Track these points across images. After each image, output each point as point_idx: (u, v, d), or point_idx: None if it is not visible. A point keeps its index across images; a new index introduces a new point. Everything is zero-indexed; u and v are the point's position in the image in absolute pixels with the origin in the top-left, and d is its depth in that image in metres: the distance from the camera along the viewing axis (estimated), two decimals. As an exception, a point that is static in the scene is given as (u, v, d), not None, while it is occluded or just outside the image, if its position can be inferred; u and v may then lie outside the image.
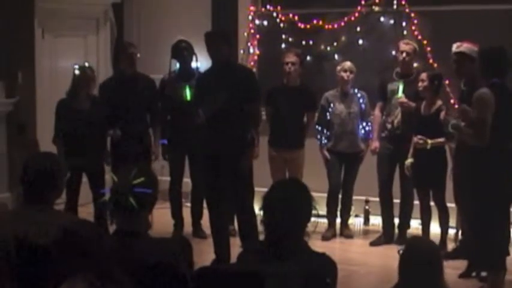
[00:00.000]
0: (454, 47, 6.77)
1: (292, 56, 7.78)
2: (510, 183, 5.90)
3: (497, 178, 5.72)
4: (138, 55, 7.73)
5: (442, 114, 7.04)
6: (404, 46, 7.57)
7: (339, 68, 7.91)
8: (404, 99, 7.41)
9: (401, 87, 7.44)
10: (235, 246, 6.55)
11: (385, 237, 7.77)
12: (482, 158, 5.75)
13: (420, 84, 7.18)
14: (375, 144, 7.78)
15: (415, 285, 3.47)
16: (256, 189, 6.51)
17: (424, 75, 7.20)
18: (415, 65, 7.73)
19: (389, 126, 7.63)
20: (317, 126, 7.99)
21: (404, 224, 7.78)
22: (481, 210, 5.78)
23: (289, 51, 7.95)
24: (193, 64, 7.85)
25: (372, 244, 7.76)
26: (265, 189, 3.47)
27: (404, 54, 7.53)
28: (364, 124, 7.97)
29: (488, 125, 5.63)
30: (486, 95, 5.69)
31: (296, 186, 3.51)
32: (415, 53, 7.64)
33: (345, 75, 7.83)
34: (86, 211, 7.33)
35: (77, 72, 7.25)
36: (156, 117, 7.81)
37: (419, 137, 7.08)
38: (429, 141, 7.02)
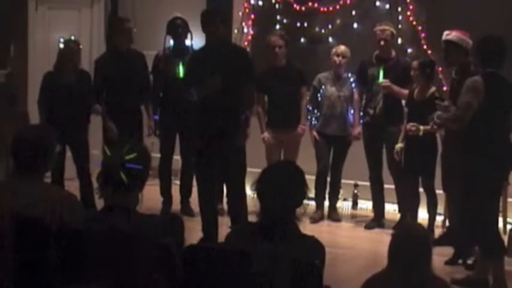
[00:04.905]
0: (444, 35, 6.75)
1: (278, 39, 7.80)
2: (500, 174, 5.89)
3: (487, 168, 5.69)
4: (135, 30, 7.70)
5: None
6: (381, 34, 7.53)
7: (333, 51, 7.91)
8: (387, 83, 7.41)
9: (381, 73, 7.45)
10: (223, 226, 6.55)
11: (378, 220, 7.79)
12: (474, 147, 5.73)
13: (412, 73, 7.17)
14: (358, 129, 7.80)
15: (404, 270, 3.47)
16: (248, 169, 6.50)
17: (415, 64, 7.17)
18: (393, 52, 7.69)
19: (371, 112, 7.64)
20: (308, 106, 7.99)
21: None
22: (471, 199, 5.75)
23: (275, 35, 7.96)
24: (188, 42, 7.82)
25: (367, 227, 7.77)
26: (257, 170, 3.45)
27: (382, 42, 7.52)
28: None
29: (472, 110, 5.61)
30: (476, 82, 5.67)
31: (290, 169, 3.51)
32: (393, 37, 7.64)
33: (337, 59, 7.84)
34: (73, 185, 7.30)
35: (61, 46, 7.22)
36: (148, 92, 7.81)
37: (411, 124, 7.04)
38: (421, 127, 6.98)
